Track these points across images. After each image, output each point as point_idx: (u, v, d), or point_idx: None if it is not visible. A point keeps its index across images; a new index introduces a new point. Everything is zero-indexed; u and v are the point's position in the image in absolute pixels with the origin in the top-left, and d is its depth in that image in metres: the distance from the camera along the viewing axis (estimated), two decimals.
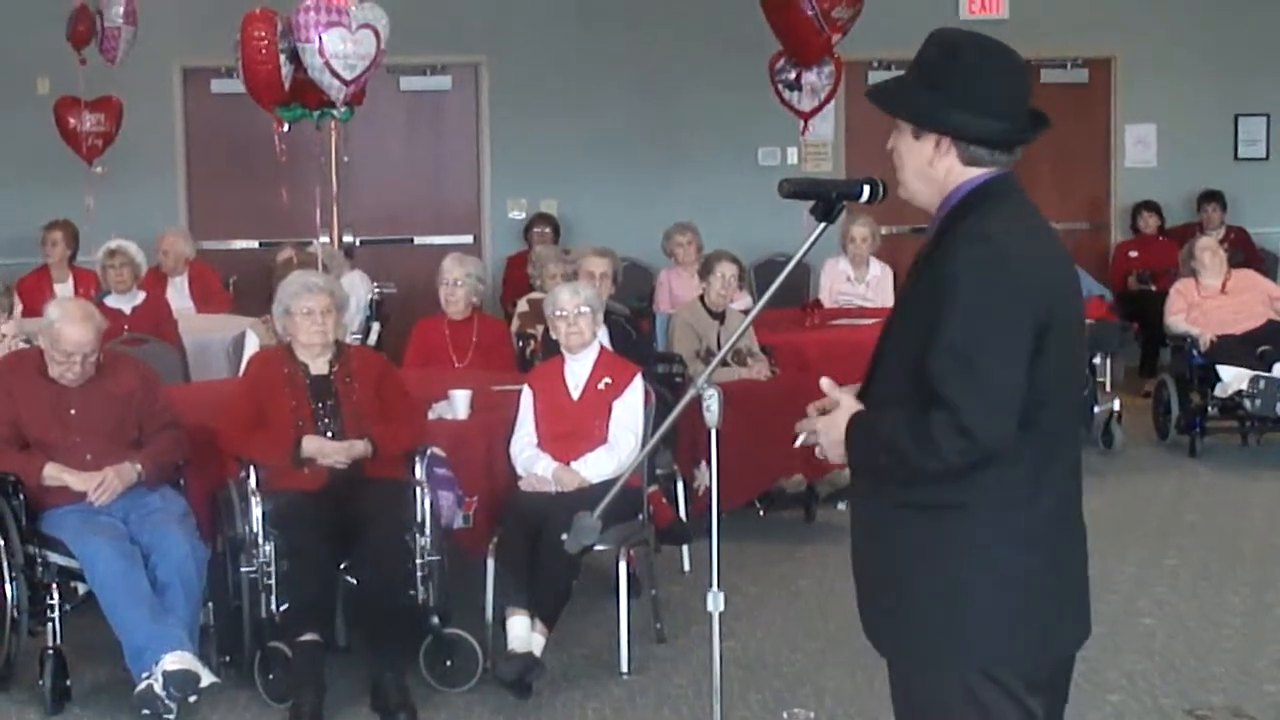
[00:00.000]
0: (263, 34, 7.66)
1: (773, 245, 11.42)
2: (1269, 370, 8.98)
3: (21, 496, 5.54)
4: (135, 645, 5.26)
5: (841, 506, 7.44)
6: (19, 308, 7.82)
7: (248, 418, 5.81)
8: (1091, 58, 12.45)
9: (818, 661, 5.82)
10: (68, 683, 5.48)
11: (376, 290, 9.86)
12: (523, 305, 8.62)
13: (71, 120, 10.51)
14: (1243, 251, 11.45)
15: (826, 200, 3.15)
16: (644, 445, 5.95)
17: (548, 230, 11.53)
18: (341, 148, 8.97)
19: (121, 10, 10.19)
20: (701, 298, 8.04)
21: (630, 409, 6.10)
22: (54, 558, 5.52)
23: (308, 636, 5.32)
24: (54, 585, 5.47)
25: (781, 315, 8.91)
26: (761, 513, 7.78)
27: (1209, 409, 9.27)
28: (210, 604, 5.58)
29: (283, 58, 7.66)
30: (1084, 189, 12.56)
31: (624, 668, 5.72)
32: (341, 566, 5.55)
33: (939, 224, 2.99)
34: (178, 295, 9.79)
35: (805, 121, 10.14)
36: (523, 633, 5.50)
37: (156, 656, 5.19)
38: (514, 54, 11.85)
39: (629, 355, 6.67)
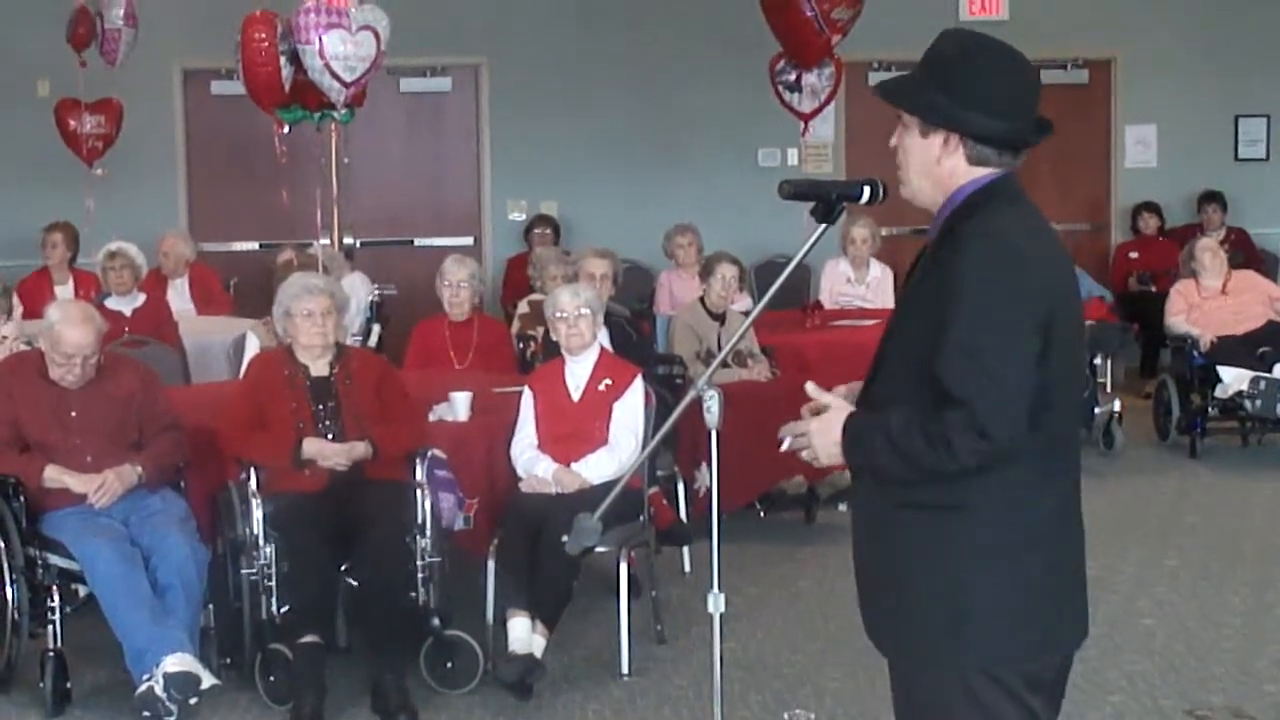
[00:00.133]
0: (263, 36, 7.67)
1: (773, 246, 11.43)
2: (1269, 371, 8.98)
3: (22, 498, 5.54)
4: (136, 647, 5.26)
5: (842, 508, 7.45)
6: (19, 310, 7.82)
7: (248, 419, 5.81)
8: (1092, 58, 12.46)
9: (818, 662, 5.82)
10: (68, 685, 5.48)
11: (377, 292, 9.86)
12: (523, 307, 8.62)
13: (72, 122, 10.52)
14: (1243, 252, 11.45)
15: (827, 201, 3.15)
16: (644, 447, 5.96)
17: (548, 232, 11.53)
18: (342, 149, 8.97)
19: (121, 12, 10.20)
20: (702, 299, 8.04)
21: (631, 410, 6.10)
22: (54, 560, 5.52)
23: (308, 638, 5.33)
24: (54, 587, 5.47)
25: (782, 316, 8.92)
26: (762, 514, 7.78)
27: (1209, 410, 9.27)
28: (211, 606, 5.58)
29: (283, 59, 7.66)
30: (1084, 190, 12.56)
31: (624, 669, 5.72)
32: (342, 568, 5.55)
33: (943, 224, 2.99)
34: (178, 297, 9.79)
35: (805, 123, 10.15)
36: (523, 634, 5.50)
37: (157, 658, 5.20)
38: (514, 55, 11.85)
39: (629, 357, 6.67)
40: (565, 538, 3.52)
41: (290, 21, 7.64)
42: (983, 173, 2.98)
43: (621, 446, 6.02)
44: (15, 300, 7.80)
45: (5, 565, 5.50)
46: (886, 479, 2.94)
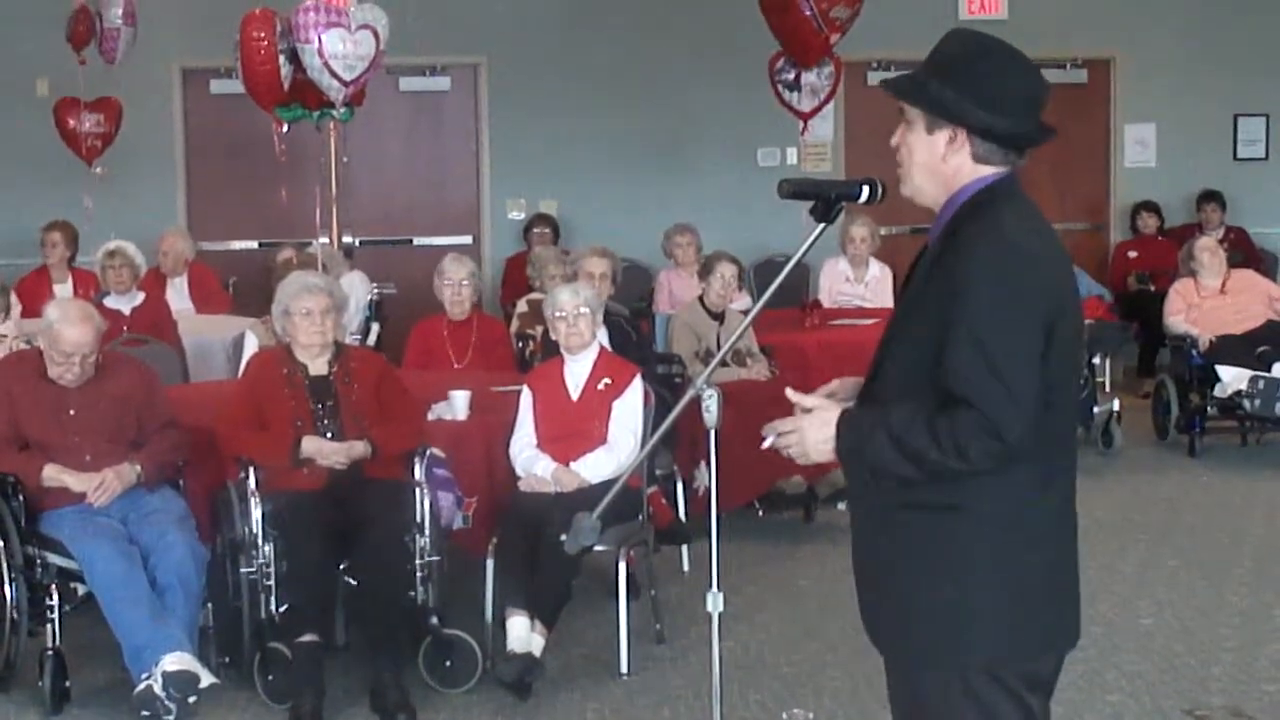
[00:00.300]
0: (262, 35, 7.67)
1: (772, 246, 11.42)
2: (1268, 370, 8.98)
3: (21, 497, 5.54)
4: (134, 646, 5.26)
5: (841, 507, 7.44)
6: (17, 308, 7.82)
7: (247, 418, 5.81)
8: (1091, 58, 12.46)
9: (817, 662, 5.82)
10: (67, 684, 5.47)
11: (376, 291, 9.85)
12: (522, 306, 8.62)
13: (71, 121, 10.51)
14: (1242, 252, 11.45)
15: (826, 201, 3.15)
16: (643, 446, 5.95)
17: (547, 231, 11.52)
18: (341, 148, 8.96)
19: (121, 11, 10.20)
20: (701, 298, 8.04)
21: (630, 409, 6.10)
22: (53, 559, 5.52)
23: (307, 637, 5.33)
24: (53, 586, 5.47)
25: (781, 316, 8.91)
26: (761, 513, 7.78)
27: (1208, 409, 9.27)
28: (210, 605, 5.58)
29: (282, 58, 7.67)
30: (1083, 189, 12.56)
31: (623, 668, 5.72)
32: (341, 567, 5.55)
33: (946, 224, 2.98)
34: (177, 296, 9.79)
35: (804, 122, 10.15)
36: (522, 633, 5.50)
37: (156, 657, 5.19)
38: (513, 54, 11.84)
39: (628, 356, 6.67)
40: (564, 537, 3.52)
41: (289, 20, 7.64)
42: (986, 172, 2.98)
43: (620, 446, 6.02)
44: (14, 299, 7.80)
45: (4, 564, 5.50)
46: (884, 476, 2.93)
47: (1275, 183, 12.63)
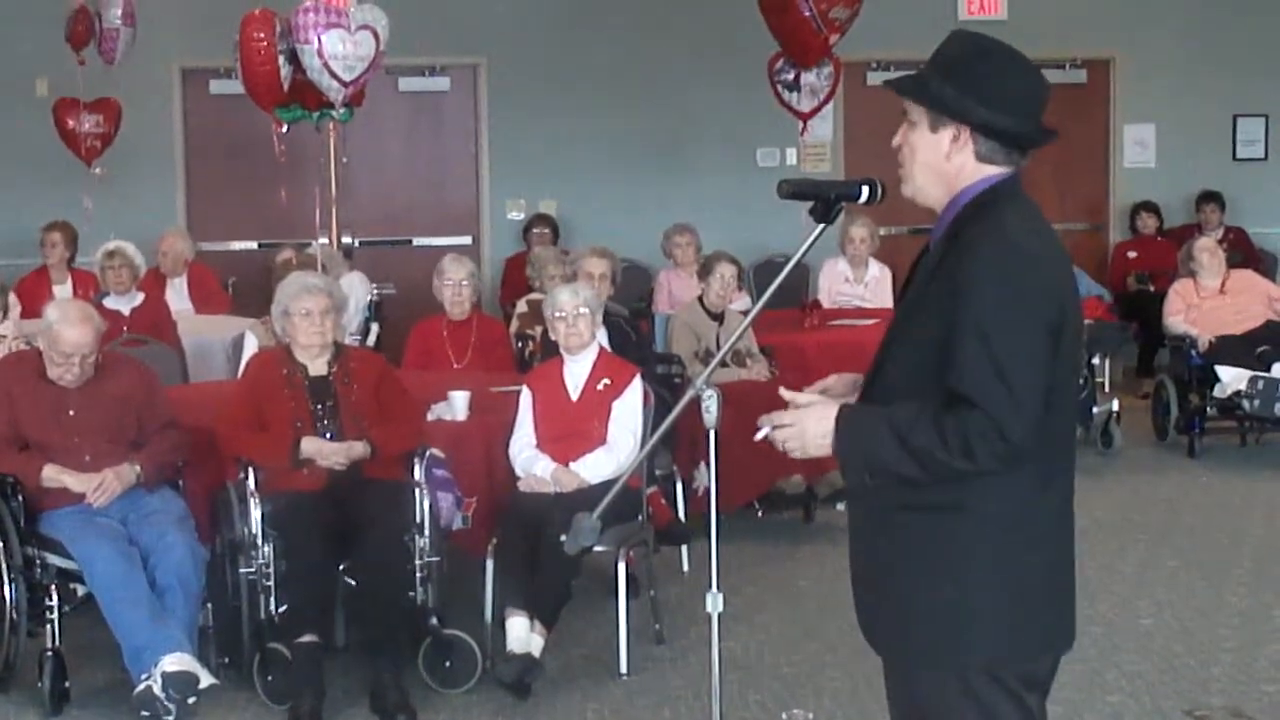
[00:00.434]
0: (262, 35, 7.67)
1: (772, 246, 11.42)
2: (1268, 370, 8.98)
3: (20, 498, 5.54)
4: (134, 646, 5.26)
5: (840, 507, 7.44)
6: (16, 309, 7.82)
7: (247, 419, 5.81)
8: (1090, 58, 12.46)
9: (816, 662, 5.82)
10: (67, 684, 5.47)
11: (375, 291, 9.86)
12: (522, 306, 8.62)
13: (70, 121, 10.51)
14: (1241, 252, 11.45)
15: (825, 201, 3.15)
16: (643, 446, 5.95)
17: (547, 231, 11.52)
18: (340, 149, 8.95)
19: (120, 11, 10.20)
20: (700, 299, 8.04)
21: (629, 410, 6.10)
22: (53, 559, 5.52)
23: (307, 638, 5.32)
24: (53, 587, 5.47)
25: (780, 316, 8.91)
26: (760, 514, 7.78)
27: (1208, 409, 9.27)
28: (209, 605, 5.58)
29: (282, 59, 7.66)
30: (1083, 189, 12.56)
31: (623, 668, 5.72)
32: (341, 567, 5.55)
33: (948, 225, 2.98)
34: (177, 296, 9.79)
35: (804, 122, 10.15)
36: (522, 634, 5.50)
37: (155, 658, 5.19)
38: (513, 55, 11.85)
39: (628, 356, 6.67)
40: (564, 537, 3.52)
41: (289, 21, 7.64)
42: (989, 172, 2.98)
43: (620, 446, 6.02)
44: (13, 299, 7.80)
45: (3, 564, 5.50)
46: (884, 475, 2.92)
47: (1274, 183, 12.63)
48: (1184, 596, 6.60)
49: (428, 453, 5.79)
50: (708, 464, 3.53)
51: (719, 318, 7.94)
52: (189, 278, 10.12)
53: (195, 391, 7.28)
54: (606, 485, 5.55)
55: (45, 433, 5.63)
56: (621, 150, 12.00)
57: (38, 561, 5.51)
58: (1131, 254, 12.05)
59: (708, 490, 3.58)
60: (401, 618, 5.52)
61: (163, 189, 11.60)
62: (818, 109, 10.14)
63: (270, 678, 5.41)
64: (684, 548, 6.90)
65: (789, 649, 6.00)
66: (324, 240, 8.88)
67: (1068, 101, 11.81)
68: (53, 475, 5.55)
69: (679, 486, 7.02)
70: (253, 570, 5.48)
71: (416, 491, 5.67)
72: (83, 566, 5.39)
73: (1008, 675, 2.94)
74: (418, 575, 5.62)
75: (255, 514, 5.50)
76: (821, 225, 3.15)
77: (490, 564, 5.80)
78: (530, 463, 6.01)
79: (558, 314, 6.21)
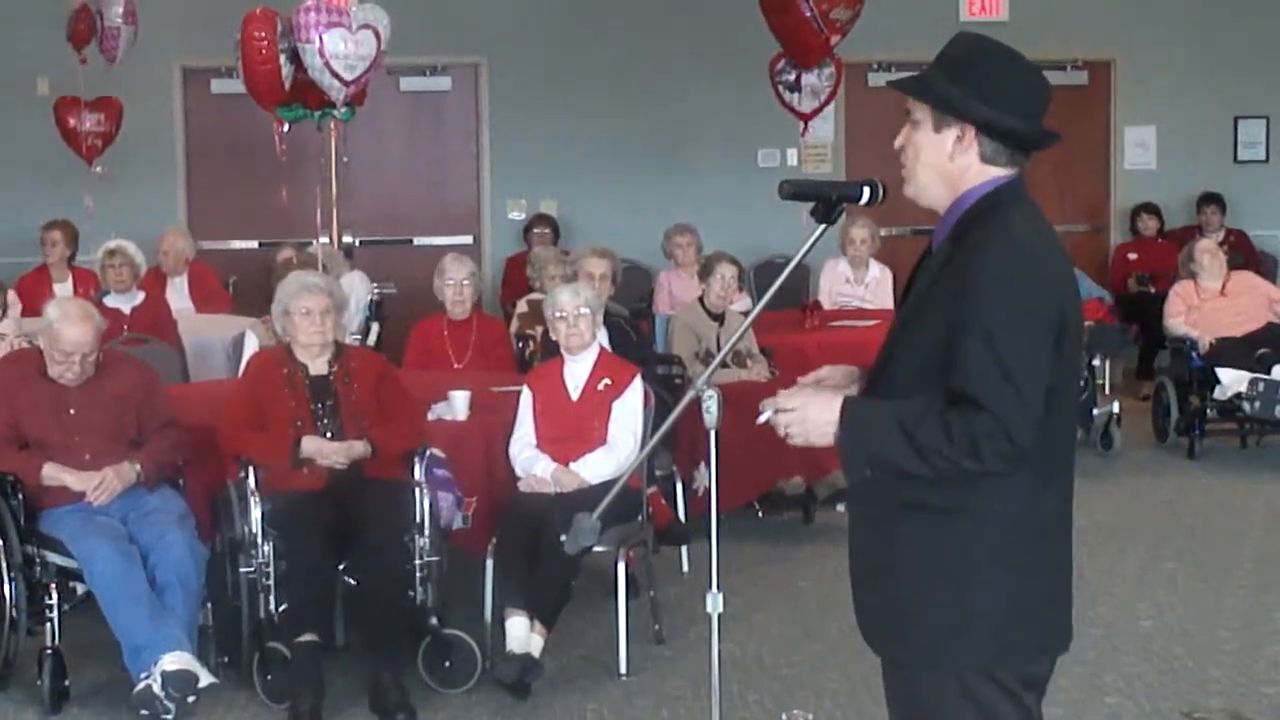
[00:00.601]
0: (263, 34, 7.66)
1: (772, 247, 11.42)
2: (1268, 373, 8.98)
3: (20, 496, 5.54)
4: (134, 645, 5.26)
5: (840, 508, 7.43)
6: (16, 307, 7.82)
7: (247, 418, 5.81)
8: (1091, 60, 12.46)
9: (816, 663, 5.82)
10: (66, 683, 5.47)
11: (376, 291, 9.86)
12: (522, 306, 8.62)
13: (71, 120, 10.52)
14: (1242, 254, 11.45)
15: (826, 202, 3.14)
16: (643, 446, 5.96)
17: (547, 231, 11.52)
18: (341, 148, 8.96)
19: (121, 10, 10.20)
20: (701, 299, 8.04)
21: (629, 410, 6.10)
22: (53, 557, 5.52)
23: (306, 637, 5.33)
24: (53, 585, 5.47)
25: (781, 317, 8.92)
26: (760, 514, 7.78)
27: (1208, 411, 9.27)
28: (209, 604, 5.58)
29: (283, 58, 7.66)
30: (1083, 191, 12.56)
31: (623, 669, 5.72)
32: (340, 567, 5.55)
33: (952, 227, 2.98)
34: (177, 295, 9.79)
35: (805, 123, 10.15)
36: (521, 633, 5.51)
37: (155, 656, 5.19)
38: (514, 54, 11.85)
39: (628, 356, 6.67)
40: (564, 537, 3.52)
41: (290, 20, 7.63)
42: (993, 173, 2.98)
43: (620, 446, 6.02)
44: (13, 298, 7.80)
45: (4, 563, 5.50)
46: (886, 469, 2.91)
47: (1275, 185, 12.63)
48: (1184, 598, 6.60)
49: (428, 452, 5.79)
50: (708, 464, 3.53)
51: (719, 318, 7.94)
52: (189, 277, 10.12)
53: (195, 391, 7.28)
54: (606, 485, 5.55)
55: (45, 431, 5.63)
56: (622, 150, 12.00)
57: (38, 560, 5.52)
58: (1132, 256, 12.05)
59: (708, 491, 3.58)
60: (401, 617, 5.52)
61: (163, 188, 11.60)
62: (819, 110, 10.14)
63: (270, 677, 5.41)
64: (684, 548, 6.90)
65: (789, 649, 6.00)
66: (325, 239, 8.88)
67: (1068, 103, 11.78)
68: (53, 474, 5.55)
69: (679, 487, 7.02)
70: (253, 569, 5.48)
71: (416, 491, 5.67)
72: (83, 565, 5.40)
73: (1006, 676, 2.94)
74: (418, 575, 5.62)
75: (255, 513, 5.50)
76: (822, 226, 3.15)
77: (490, 564, 5.80)
78: (530, 463, 6.01)
79: (558, 314, 6.21)
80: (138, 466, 5.61)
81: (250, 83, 7.84)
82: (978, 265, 2.85)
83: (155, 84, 11.38)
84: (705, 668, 3.51)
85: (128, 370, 5.87)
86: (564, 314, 6.19)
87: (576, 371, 6.18)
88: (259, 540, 5.48)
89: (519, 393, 6.23)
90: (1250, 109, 12.62)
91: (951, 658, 2.94)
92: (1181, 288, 9.69)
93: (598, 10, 11.94)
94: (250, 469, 5.56)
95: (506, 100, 11.89)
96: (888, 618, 3.03)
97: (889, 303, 9.38)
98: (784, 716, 5.26)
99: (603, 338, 6.62)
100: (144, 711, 5.21)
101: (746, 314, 8.46)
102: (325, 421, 5.80)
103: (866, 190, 3.13)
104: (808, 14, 9.32)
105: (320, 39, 7.53)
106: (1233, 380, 9.05)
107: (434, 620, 5.57)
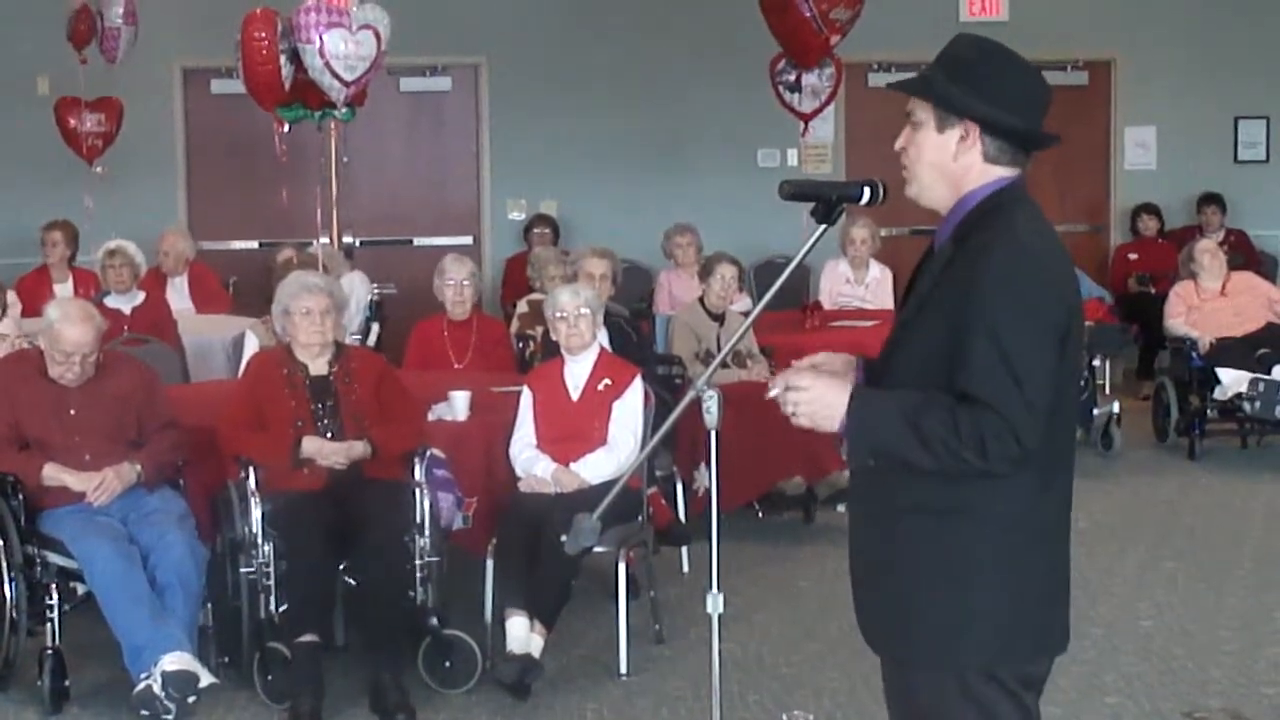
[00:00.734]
0: (263, 34, 7.66)
1: (772, 247, 11.42)
2: (1268, 373, 8.98)
3: (21, 496, 5.54)
4: (134, 645, 5.26)
5: (841, 508, 7.44)
6: (16, 307, 7.82)
7: (247, 418, 5.81)
8: (1091, 60, 12.46)
9: (816, 663, 5.82)
10: (66, 683, 5.47)
11: (376, 291, 9.86)
12: (522, 306, 8.63)
13: (72, 120, 10.52)
14: (1242, 254, 11.44)
15: (826, 202, 3.14)
16: (643, 447, 5.96)
17: (547, 231, 11.53)
18: (341, 148, 8.97)
19: (121, 10, 10.20)
20: (701, 299, 8.04)
21: (630, 410, 6.10)
22: (53, 558, 5.52)
23: (306, 637, 5.33)
24: (53, 585, 5.47)
25: (781, 317, 8.92)
26: (760, 514, 7.78)
27: (1208, 412, 9.26)
28: (209, 604, 5.58)
29: (283, 58, 7.66)
30: (1084, 191, 12.55)
31: (623, 669, 5.72)
32: (341, 567, 5.55)
33: (955, 229, 2.98)
34: (177, 295, 9.79)
35: (805, 123, 10.15)
36: (521, 634, 5.51)
37: (155, 657, 5.20)
38: (514, 55, 11.85)
39: (629, 357, 6.67)
40: (564, 537, 3.52)
41: (291, 20, 7.63)
42: (996, 174, 2.98)
43: (620, 446, 6.02)
44: (13, 298, 7.80)
45: (4, 563, 5.50)
46: (890, 458, 2.89)
47: (1275, 185, 12.63)
48: (1184, 598, 6.60)
49: (428, 453, 5.79)
50: (708, 465, 3.53)
51: (720, 318, 7.94)
52: (190, 277, 10.12)
53: (195, 391, 7.28)
54: (607, 486, 5.55)
55: (46, 431, 5.63)
56: (622, 150, 12.00)
57: (38, 560, 5.52)
58: (1132, 256, 12.04)
59: (708, 491, 3.58)
60: (401, 617, 5.52)
61: (164, 188, 11.60)
62: (819, 110, 10.14)
63: (270, 677, 5.41)
64: (684, 548, 6.90)
65: (789, 649, 6.00)
66: (325, 240, 8.88)
67: (1069, 103, 11.78)
68: (53, 474, 5.55)
69: (679, 487, 7.02)
70: (253, 570, 5.48)
71: (417, 491, 5.67)
72: (83, 565, 5.40)
73: (1007, 675, 2.95)
74: (418, 575, 5.62)
75: (255, 513, 5.50)
76: (822, 226, 3.15)
77: (490, 564, 5.80)
78: (531, 463, 6.01)
79: (559, 314, 6.21)
80: (138, 467, 5.61)
81: (250, 83, 7.84)
82: (983, 266, 2.85)
83: (155, 84, 11.38)
84: (705, 668, 3.51)
85: (128, 371, 5.87)
86: (564, 314, 6.19)
87: (577, 372, 6.18)
88: (259, 540, 5.48)
89: (519, 393, 6.23)
90: (1250, 109, 12.62)
91: (953, 657, 2.94)
92: (1181, 288, 9.69)
93: (598, 10, 11.94)
94: (250, 469, 5.56)
95: (506, 100, 11.90)
96: (888, 617, 3.03)
97: (889, 303, 9.38)
98: (784, 716, 5.27)
99: (603, 338, 6.62)
100: (144, 712, 5.21)
101: (746, 314, 8.46)
102: (325, 422, 5.80)
103: (866, 190, 3.12)
104: (807, 14, 9.32)
105: (320, 39, 7.52)
106: (1233, 380, 9.04)
107: (434, 620, 5.57)
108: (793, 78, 9.94)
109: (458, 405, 6.35)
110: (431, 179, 12.18)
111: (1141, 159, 12.62)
